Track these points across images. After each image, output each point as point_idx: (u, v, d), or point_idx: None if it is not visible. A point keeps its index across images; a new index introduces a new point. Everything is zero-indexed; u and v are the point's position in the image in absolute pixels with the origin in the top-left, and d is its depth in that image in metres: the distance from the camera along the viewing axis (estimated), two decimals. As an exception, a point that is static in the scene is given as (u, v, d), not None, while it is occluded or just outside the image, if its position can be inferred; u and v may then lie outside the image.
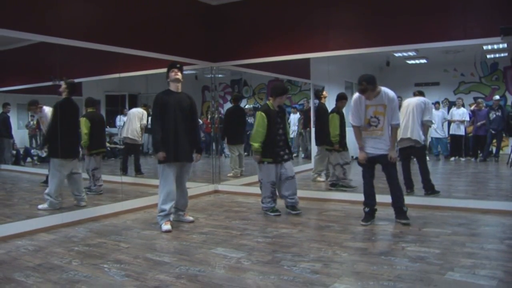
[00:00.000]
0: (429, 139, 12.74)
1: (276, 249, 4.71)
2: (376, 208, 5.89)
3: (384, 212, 6.03)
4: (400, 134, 6.96)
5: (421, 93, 7.45)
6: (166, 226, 5.66)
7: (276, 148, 6.32)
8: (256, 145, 6.30)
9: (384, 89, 5.68)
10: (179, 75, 5.87)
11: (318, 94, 9.05)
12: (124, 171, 9.22)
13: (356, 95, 5.77)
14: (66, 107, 6.67)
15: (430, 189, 7.05)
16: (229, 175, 9.66)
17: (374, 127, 5.69)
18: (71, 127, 6.71)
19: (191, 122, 5.95)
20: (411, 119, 7.00)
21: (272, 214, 6.35)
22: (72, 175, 6.76)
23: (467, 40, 6.44)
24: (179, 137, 5.73)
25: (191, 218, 6.13)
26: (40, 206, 6.55)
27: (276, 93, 6.40)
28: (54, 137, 6.51)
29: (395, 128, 5.76)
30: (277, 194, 6.50)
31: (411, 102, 7.19)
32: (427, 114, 7.11)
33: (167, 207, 5.71)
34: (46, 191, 6.55)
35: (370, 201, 5.84)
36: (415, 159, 7.54)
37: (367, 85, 5.52)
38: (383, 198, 6.01)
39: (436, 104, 12.40)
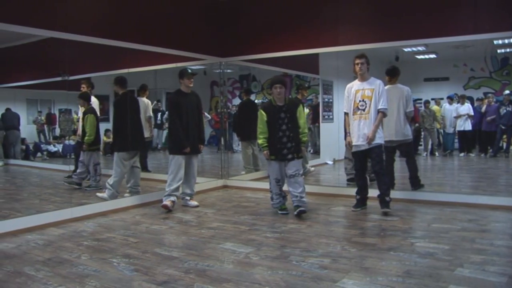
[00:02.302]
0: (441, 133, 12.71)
1: (284, 244, 4.71)
2: (368, 196, 6.33)
3: (393, 208, 6.01)
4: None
5: (395, 72, 6.94)
6: (165, 202, 6.45)
7: (278, 145, 6.00)
8: (259, 141, 6.20)
9: (372, 77, 6.10)
10: (192, 84, 6.64)
11: (302, 88, 8.91)
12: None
13: (348, 85, 6.23)
14: (124, 102, 6.98)
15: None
16: (242, 173, 9.49)
17: (362, 111, 5.98)
18: (134, 121, 7.01)
19: (198, 118, 6.76)
20: (395, 119, 6.77)
21: (280, 212, 6.19)
22: (133, 168, 7.04)
23: (477, 34, 6.37)
24: (190, 133, 6.54)
25: (195, 203, 6.79)
26: (99, 195, 6.83)
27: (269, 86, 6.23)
28: (119, 131, 6.91)
29: (381, 112, 5.97)
30: (284, 191, 6.30)
31: (391, 97, 6.65)
32: (409, 104, 6.83)
33: (172, 187, 6.52)
34: (109, 181, 6.81)
35: (361, 192, 6.32)
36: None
37: (366, 58, 6.01)
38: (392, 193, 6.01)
39: (448, 99, 12.35)
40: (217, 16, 8.61)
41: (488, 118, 11.74)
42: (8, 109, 9.20)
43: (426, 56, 11.41)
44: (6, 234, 5.28)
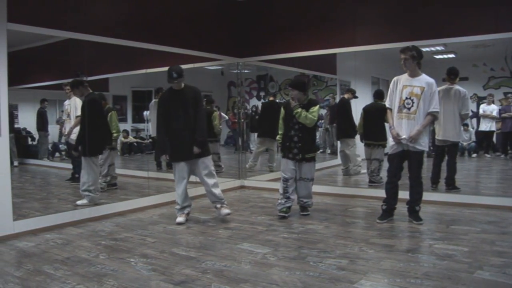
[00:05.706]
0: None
1: (302, 245, 4.70)
2: (396, 207, 5.71)
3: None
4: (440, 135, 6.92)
5: (455, 73, 6.96)
6: (178, 219, 5.88)
7: (287, 143, 5.99)
8: (277, 137, 6.35)
9: (424, 74, 5.45)
10: (180, 84, 5.77)
11: (353, 91, 8.91)
12: (159, 166, 9.28)
13: (395, 78, 5.60)
14: (98, 102, 6.78)
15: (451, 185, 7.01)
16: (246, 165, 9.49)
17: (408, 110, 5.35)
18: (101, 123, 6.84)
19: (194, 116, 5.79)
20: (452, 120, 6.82)
21: (279, 213, 5.99)
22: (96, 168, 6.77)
23: (498, 33, 6.28)
24: (179, 137, 5.76)
25: (225, 212, 5.87)
26: (79, 202, 6.42)
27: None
28: (95, 133, 6.57)
29: (431, 115, 5.36)
30: (291, 193, 6.05)
31: (449, 97, 6.83)
32: (465, 106, 6.84)
33: (178, 200, 5.92)
34: (84, 187, 6.45)
35: (390, 201, 5.66)
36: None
37: (410, 51, 5.36)
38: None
39: None
40: (234, 17, 8.62)
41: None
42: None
43: (445, 56, 11.26)
44: (25, 233, 5.35)
